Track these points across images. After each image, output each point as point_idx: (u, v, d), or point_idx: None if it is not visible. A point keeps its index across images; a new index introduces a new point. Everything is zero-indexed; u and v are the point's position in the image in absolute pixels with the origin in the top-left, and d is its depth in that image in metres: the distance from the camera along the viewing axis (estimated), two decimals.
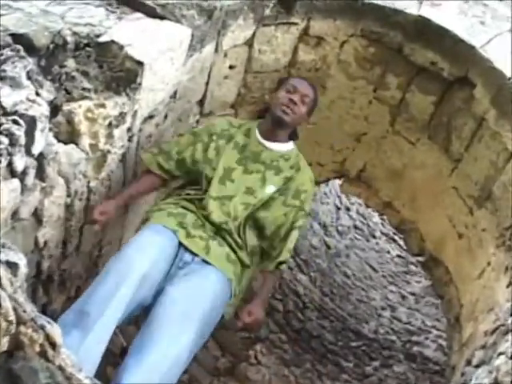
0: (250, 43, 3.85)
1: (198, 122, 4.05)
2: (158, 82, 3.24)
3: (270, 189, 3.37)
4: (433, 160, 4.22)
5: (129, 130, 3.20)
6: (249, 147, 3.46)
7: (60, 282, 3.31)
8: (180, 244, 3.10)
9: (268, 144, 3.50)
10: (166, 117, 3.60)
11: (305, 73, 4.13)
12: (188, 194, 3.36)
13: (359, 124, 4.49)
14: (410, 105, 4.14)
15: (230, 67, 3.90)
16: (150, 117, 3.42)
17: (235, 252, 3.21)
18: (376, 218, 7.88)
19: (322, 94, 4.26)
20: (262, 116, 3.64)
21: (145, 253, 2.93)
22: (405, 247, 5.82)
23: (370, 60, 4.07)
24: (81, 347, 2.64)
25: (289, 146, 3.55)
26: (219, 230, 3.21)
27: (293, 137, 3.60)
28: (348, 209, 8.13)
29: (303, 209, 3.43)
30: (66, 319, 2.73)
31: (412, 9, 3.75)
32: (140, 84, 3.08)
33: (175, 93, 3.54)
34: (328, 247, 7.62)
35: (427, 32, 3.75)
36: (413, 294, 7.49)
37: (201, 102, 3.92)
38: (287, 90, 3.52)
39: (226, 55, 3.79)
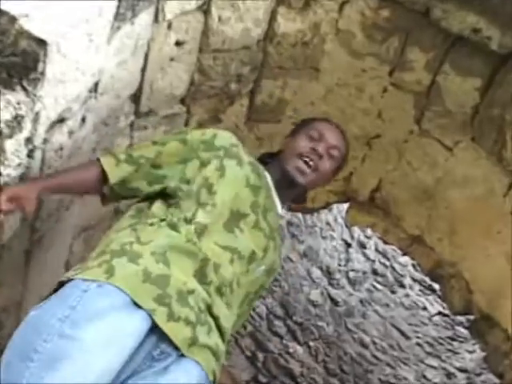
0: (205, 8, 3.89)
1: (132, 125, 4.07)
2: (69, 70, 3.24)
3: (259, 272, 3.41)
4: (480, 172, 4.29)
5: (28, 140, 3.21)
6: (262, 193, 3.45)
7: None
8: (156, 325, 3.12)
9: (276, 200, 3.55)
10: (83, 120, 3.61)
11: (289, 49, 4.17)
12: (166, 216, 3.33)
13: (370, 122, 4.57)
14: (443, 93, 4.20)
15: (178, 44, 3.93)
16: (60, 121, 3.42)
17: (224, 335, 3.24)
18: (405, 256, 7.93)
19: (314, 79, 4.32)
20: (266, 162, 3.62)
21: (116, 351, 2.92)
22: None
23: (383, 28, 4.12)
24: None
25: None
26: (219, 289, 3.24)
27: (299, 199, 3.72)
28: (363, 245, 8.19)
29: None
30: None
31: None
32: (43, 73, 3.08)
33: (96, 85, 3.54)
34: (334, 303, 7.66)
35: None
36: (463, 370, 7.54)
37: (135, 97, 3.95)
38: (310, 135, 3.56)
39: (170, 27, 3.81)
